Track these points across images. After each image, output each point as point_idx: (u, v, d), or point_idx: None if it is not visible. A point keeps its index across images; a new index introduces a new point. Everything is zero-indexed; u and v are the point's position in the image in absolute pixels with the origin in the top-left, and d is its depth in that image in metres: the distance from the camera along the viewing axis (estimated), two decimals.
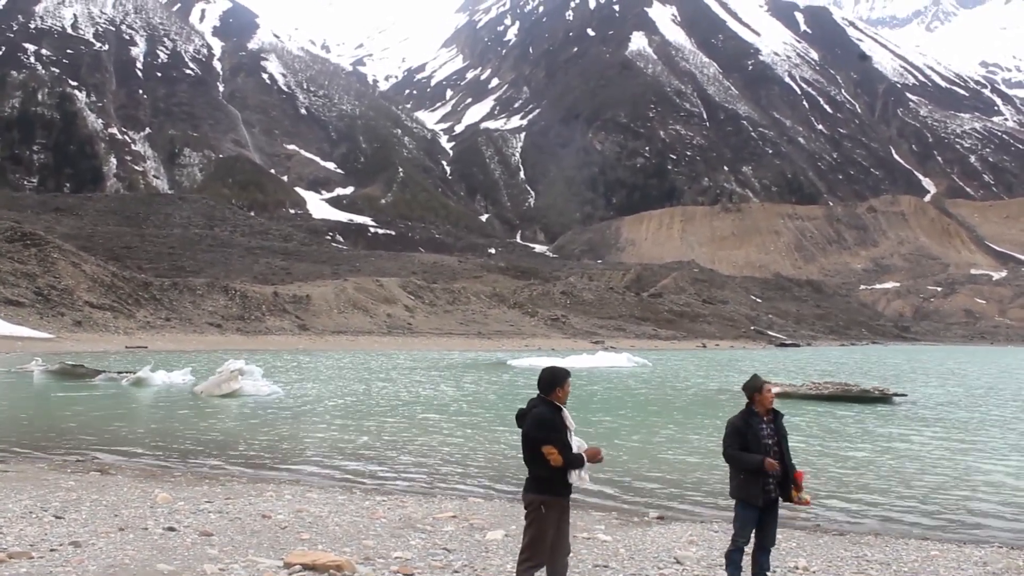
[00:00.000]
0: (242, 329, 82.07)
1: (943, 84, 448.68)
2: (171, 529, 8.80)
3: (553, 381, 6.15)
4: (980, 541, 10.35)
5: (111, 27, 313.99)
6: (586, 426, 19.24)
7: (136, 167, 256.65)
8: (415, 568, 7.73)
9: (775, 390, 7.85)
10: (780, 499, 6.94)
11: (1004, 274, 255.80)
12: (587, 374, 45.07)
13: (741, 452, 6.86)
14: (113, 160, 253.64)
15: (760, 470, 6.70)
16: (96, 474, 12.82)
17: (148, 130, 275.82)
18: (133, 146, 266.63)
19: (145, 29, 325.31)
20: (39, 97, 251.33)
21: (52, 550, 7.63)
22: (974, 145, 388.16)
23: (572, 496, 6.22)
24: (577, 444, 6.12)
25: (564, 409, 6.16)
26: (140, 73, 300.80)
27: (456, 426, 21.06)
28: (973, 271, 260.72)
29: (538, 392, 6.18)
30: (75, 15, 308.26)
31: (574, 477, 6.02)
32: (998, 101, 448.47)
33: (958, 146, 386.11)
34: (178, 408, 24.38)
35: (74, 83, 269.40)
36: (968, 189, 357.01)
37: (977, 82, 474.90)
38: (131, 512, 9.65)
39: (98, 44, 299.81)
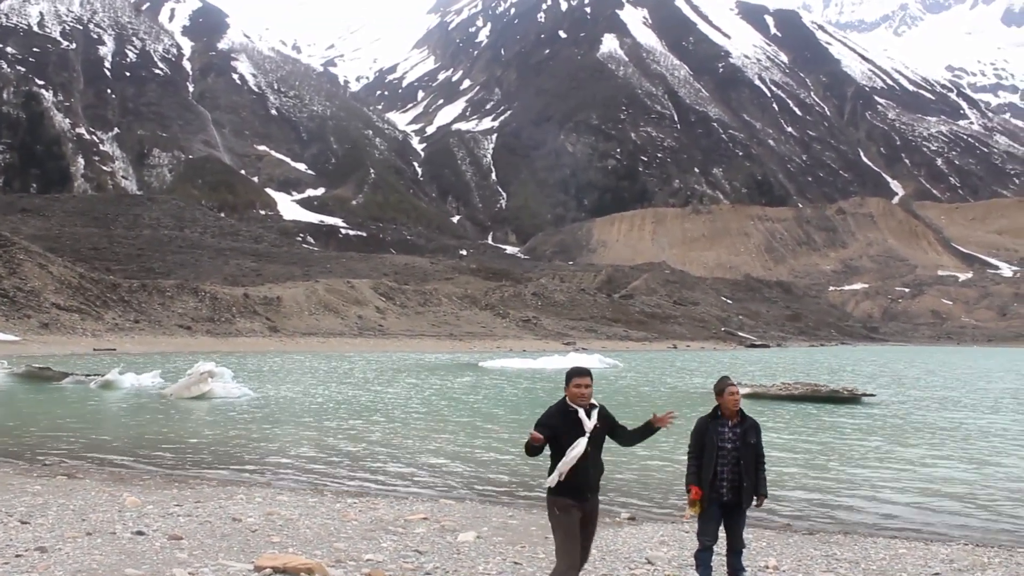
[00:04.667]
0: (212, 331, 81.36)
1: (910, 88, 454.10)
2: (140, 533, 8.71)
3: (566, 378, 6.19)
4: (947, 539, 10.48)
5: (78, 26, 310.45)
6: None
7: (104, 167, 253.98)
8: (387, 570, 7.70)
9: (744, 391, 7.88)
10: (743, 503, 6.92)
11: (970, 275, 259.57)
12: (558, 375, 45.08)
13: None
14: (81, 160, 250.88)
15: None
16: (63, 478, 12.65)
17: (116, 130, 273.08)
18: (101, 146, 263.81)
19: (113, 28, 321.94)
20: (4, 96, 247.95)
21: (18, 556, 7.52)
22: (941, 148, 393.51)
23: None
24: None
25: (580, 410, 6.09)
26: (108, 72, 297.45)
27: (426, 428, 21.03)
28: (940, 272, 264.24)
29: None
30: (41, 13, 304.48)
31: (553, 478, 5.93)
32: (964, 105, 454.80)
33: (925, 149, 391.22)
34: (147, 411, 24.12)
35: (40, 82, 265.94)
36: (935, 191, 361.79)
37: (943, 86, 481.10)
38: (99, 516, 9.54)
39: (65, 43, 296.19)
